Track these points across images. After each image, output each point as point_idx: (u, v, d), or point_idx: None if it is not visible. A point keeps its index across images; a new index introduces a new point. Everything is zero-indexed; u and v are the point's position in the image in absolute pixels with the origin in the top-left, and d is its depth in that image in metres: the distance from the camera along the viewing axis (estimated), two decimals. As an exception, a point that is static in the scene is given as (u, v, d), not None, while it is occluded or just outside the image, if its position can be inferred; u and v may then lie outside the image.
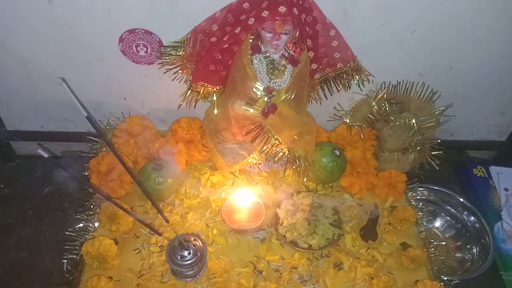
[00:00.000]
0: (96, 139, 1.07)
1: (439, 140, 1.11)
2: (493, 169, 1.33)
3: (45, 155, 0.68)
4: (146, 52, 0.96)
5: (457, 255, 1.16)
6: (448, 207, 1.21)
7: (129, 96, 1.08)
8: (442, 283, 0.88)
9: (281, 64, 0.86)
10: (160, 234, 0.81)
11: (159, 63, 0.96)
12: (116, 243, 0.89)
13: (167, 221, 0.80)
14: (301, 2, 0.81)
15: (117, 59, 0.97)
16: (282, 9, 0.76)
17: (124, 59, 0.97)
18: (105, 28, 0.91)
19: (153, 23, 0.90)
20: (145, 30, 0.91)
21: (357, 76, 0.98)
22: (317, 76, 0.98)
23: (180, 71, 0.97)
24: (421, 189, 1.20)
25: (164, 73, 0.98)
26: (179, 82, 1.01)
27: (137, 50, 0.95)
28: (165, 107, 1.11)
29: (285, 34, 0.79)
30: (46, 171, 1.26)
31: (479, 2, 0.91)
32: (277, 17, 0.77)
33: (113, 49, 0.95)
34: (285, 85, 0.87)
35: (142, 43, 0.94)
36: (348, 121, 1.14)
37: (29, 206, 1.18)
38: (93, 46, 0.95)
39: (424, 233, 1.01)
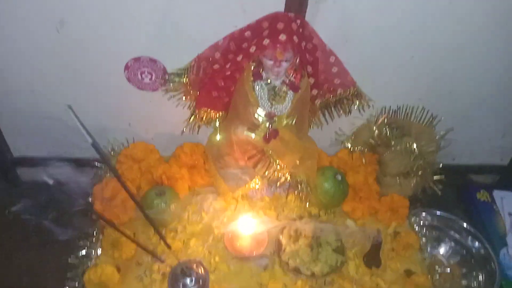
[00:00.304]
0: (101, 165, 1.08)
1: (441, 165, 1.11)
2: (497, 194, 1.32)
3: (50, 181, 0.69)
4: (150, 79, 0.98)
5: (463, 282, 1.14)
6: (452, 233, 1.19)
7: (134, 122, 1.10)
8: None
9: (282, 90, 0.87)
10: (162, 261, 0.81)
11: (163, 90, 0.98)
12: (118, 270, 0.89)
13: (169, 247, 0.80)
14: (301, 30, 0.83)
15: (122, 86, 0.99)
16: (282, 37, 0.78)
17: (129, 86, 0.99)
18: (111, 56, 0.94)
19: (158, 50, 0.93)
20: (150, 58, 0.94)
21: (357, 101, 1.00)
22: (317, 101, 0.99)
23: (184, 98, 0.99)
24: (424, 214, 1.18)
25: (168, 99, 1.00)
26: (183, 108, 1.03)
27: (142, 77, 0.98)
28: (169, 133, 1.12)
29: (286, 61, 0.81)
30: (50, 197, 1.26)
31: (475, 27, 0.93)
32: (278, 45, 0.79)
33: (119, 76, 0.97)
34: (286, 110, 0.89)
35: (147, 71, 0.96)
36: (349, 146, 1.15)
37: (32, 231, 1.18)
38: (100, 73, 0.97)
39: (428, 260, 1.00)
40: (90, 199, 1.01)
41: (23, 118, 1.09)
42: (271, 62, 0.82)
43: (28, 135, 1.14)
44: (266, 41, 0.79)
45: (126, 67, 0.96)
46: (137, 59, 0.94)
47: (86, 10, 0.85)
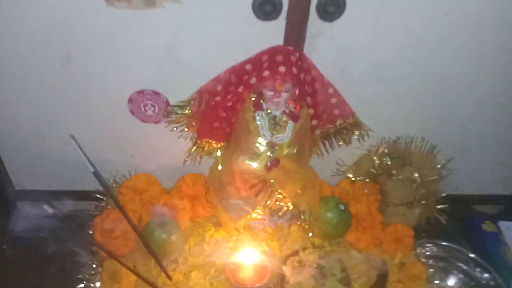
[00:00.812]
0: (102, 197, 1.08)
1: (444, 194, 1.11)
2: (503, 224, 1.30)
3: (50, 211, 0.69)
4: (153, 111, 1.00)
5: (474, 316, 1.10)
6: (460, 264, 1.16)
7: (136, 153, 1.11)
8: None
9: (283, 120, 0.89)
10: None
11: (166, 122, 1.00)
12: (117, 304, 0.87)
13: (170, 278, 0.79)
14: (299, 62, 0.86)
15: (125, 119, 1.01)
16: (282, 69, 0.81)
17: (132, 118, 1.01)
18: (116, 90, 0.96)
19: (161, 84, 0.96)
20: (153, 91, 0.96)
21: (357, 132, 1.01)
22: (318, 131, 1.01)
23: (186, 129, 1.01)
24: (429, 245, 1.16)
25: (170, 131, 1.01)
26: (185, 140, 1.04)
27: (145, 109, 1.00)
28: (171, 165, 1.13)
29: (285, 92, 0.84)
30: (51, 232, 1.25)
31: (470, 59, 0.96)
32: (277, 76, 0.81)
33: (122, 109, 0.99)
34: (287, 140, 0.90)
35: (150, 103, 0.99)
36: (351, 176, 1.15)
37: (31, 266, 1.16)
38: (103, 107, 0.99)
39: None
40: (90, 232, 1.01)
41: (25, 151, 1.11)
42: (271, 93, 0.84)
43: (30, 168, 1.15)
44: (266, 73, 0.82)
45: (130, 100, 0.98)
46: (140, 92, 0.97)
47: (92, 46, 0.88)
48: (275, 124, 0.89)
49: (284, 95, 0.84)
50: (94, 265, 0.96)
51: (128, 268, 0.76)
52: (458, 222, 1.33)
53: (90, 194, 1.10)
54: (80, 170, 1.14)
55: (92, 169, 0.72)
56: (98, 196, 1.08)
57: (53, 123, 1.04)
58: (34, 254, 1.20)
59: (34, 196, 1.19)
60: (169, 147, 1.08)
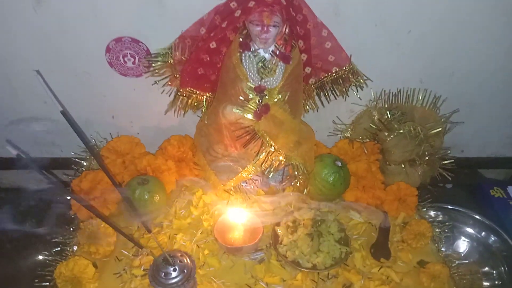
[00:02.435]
0: (81, 161, 1.00)
1: (449, 151, 1.03)
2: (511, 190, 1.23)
3: (14, 152, 0.61)
4: (133, 63, 0.93)
5: (486, 283, 1.02)
6: (466, 228, 1.09)
7: (118, 113, 1.04)
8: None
9: (272, 62, 0.81)
10: (141, 247, 0.71)
11: (147, 73, 0.92)
12: (95, 267, 0.79)
13: (149, 231, 0.71)
14: (289, -3, 0.78)
15: (104, 72, 0.94)
16: (269, -1, 0.73)
17: (111, 71, 0.94)
18: (92, 37, 0.89)
19: (141, 30, 0.88)
20: (132, 38, 0.89)
21: (353, 80, 0.93)
22: (312, 81, 0.93)
23: (169, 83, 0.93)
24: (434, 208, 1.09)
25: (152, 84, 0.94)
26: (169, 96, 0.97)
27: (124, 61, 0.92)
28: (155, 125, 1.05)
29: (274, 26, 0.76)
30: (29, 204, 1.18)
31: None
32: (265, 8, 0.74)
33: (100, 60, 0.92)
34: (277, 84, 0.82)
35: (130, 53, 0.91)
36: (349, 136, 1.08)
37: (8, 239, 1.09)
38: (80, 57, 0.92)
39: (443, 252, 0.90)
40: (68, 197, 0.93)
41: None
42: (258, 29, 0.76)
43: (4, 132, 1.07)
44: (251, 3, 0.74)
45: (108, 50, 0.91)
46: (118, 40, 0.89)
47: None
48: (264, 66, 0.81)
49: (273, 30, 0.76)
50: (71, 229, 0.88)
51: (105, 221, 0.68)
52: (466, 190, 1.26)
53: (70, 161, 1.02)
54: (58, 134, 1.07)
55: (60, 108, 0.64)
56: (77, 160, 1.00)
57: (26, 78, 0.95)
58: (12, 227, 1.13)
59: (10, 164, 1.11)
60: (152, 105, 1.01)
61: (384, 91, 1.02)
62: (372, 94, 1.02)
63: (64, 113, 0.65)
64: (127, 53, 0.91)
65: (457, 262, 0.87)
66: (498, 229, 1.03)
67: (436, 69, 0.99)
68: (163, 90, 0.95)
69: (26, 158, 0.60)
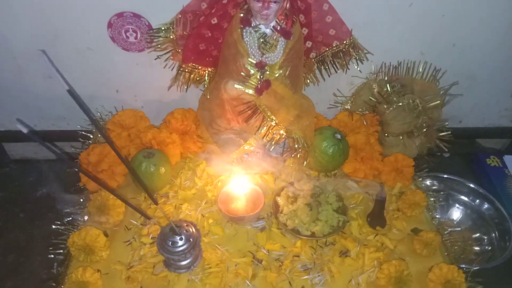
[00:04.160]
0: (88, 134, 1.03)
1: (447, 123, 1.05)
2: (508, 159, 1.26)
3: (25, 130, 0.64)
4: (135, 38, 0.94)
5: (476, 248, 1.07)
6: (461, 196, 1.13)
7: (121, 88, 1.06)
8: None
9: (273, 38, 0.82)
10: (149, 218, 0.75)
11: (149, 48, 0.93)
12: (106, 235, 0.84)
13: (156, 203, 0.75)
14: (290, -28, 0.78)
15: (107, 47, 0.95)
16: (270, -27, 0.73)
17: (114, 46, 0.95)
18: (93, 13, 0.89)
19: (142, 5, 0.88)
20: (134, 13, 0.89)
21: (354, 54, 0.94)
22: (312, 55, 0.94)
23: (172, 58, 0.94)
24: (430, 178, 1.12)
25: (154, 59, 0.95)
26: (171, 70, 0.98)
27: (126, 36, 0.93)
28: (158, 99, 1.07)
29: (275, 2, 0.76)
30: (39, 175, 1.22)
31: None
32: (266, -17, 0.74)
33: (102, 35, 0.93)
34: (278, 59, 0.83)
35: (132, 28, 0.92)
36: (349, 108, 1.09)
37: (20, 209, 1.14)
38: (82, 33, 0.92)
39: (437, 220, 0.94)
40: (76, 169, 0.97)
41: (5, 88, 1.05)
42: (259, 4, 0.77)
43: (12, 106, 1.09)
44: (252, -20, 0.74)
45: (109, 25, 0.91)
46: (120, 15, 0.89)
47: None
48: (265, 42, 0.82)
49: (274, 6, 0.76)
50: (81, 200, 0.92)
51: (114, 193, 0.72)
52: (463, 159, 1.29)
53: (76, 134, 1.05)
54: (64, 108, 1.09)
55: (66, 87, 0.66)
56: (83, 133, 1.03)
57: (31, 55, 0.97)
58: (23, 197, 1.18)
59: (19, 137, 1.14)
60: (155, 79, 1.02)
61: (385, 64, 1.03)
62: (373, 67, 1.03)
63: (71, 92, 0.67)
64: (129, 28, 0.92)
65: (449, 229, 0.92)
66: (491, 198, 1.07)
67: (437, 42, 1.00)
68: (166, 65, 0.96)
69: (37, 137, 0.63)
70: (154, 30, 0.90)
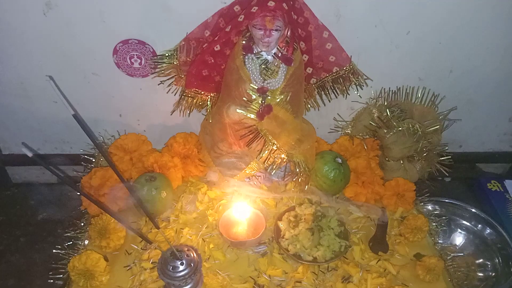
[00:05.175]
0: (90, 158, 1.04)
1: (447, 147, 1.06)
2: (509, 183, 1.26)
3: (29, 154, 0.65)
4: (140, 64, 0.96)
5: (480, 274, 1.06)
6: (463, 221, 1.12)
7: (125, 112, 1.07)
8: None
9: (275, 64, 0.84)
10: (150, 242, 0.75)
11: (153, 73, 0.95)
12: (106, 260, 0.83)
13: (157, 227, 0.75)
14: (291, 2, 0.81)
15: (112, 73, 0.97)
16: (271, 3, 0.76)
17: (118, 72, 0.97)
18: (99, 40, 0.92)
19: (147, 32, 0.91)
20: (139, 40, 0.92)
21: (354, 79, 0.96)
22: (313, 80, 0.96)
23: (175, 83, 0.96)
24: (431, 202, 1.12)
25: (158, 84, 0.97)
26: (174, 95, 1.00)
27: (131, 62, 0.95)
28: (161, 124, 1.09)
29: (276, 30, 0.79)
30: (41, 198, 1.22)
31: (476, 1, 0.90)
32: (267, 13, 0.76)
33: (108, 62, 0.95)
34: (279, 85, 0.85)
35: (136, 54, 0.94)
36: (349, 132, 1.11)
37: (21, 233, 1.14)
38: (88, 59, 0.95)
39: (440, 245, 0.93)
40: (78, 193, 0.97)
41: (11, 112, 1.07)
42: (261, 32, 0.79)
43: (17, 130, 1.11)
44: (254, 9, 0.76)
45: (115, 51, 0.94)
46: (125, 42, 0.92)
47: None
48: (266, 68, 0.84)
49: (275, 34, 0.79)
50: (82, 224, 0.92)
51: (114, 216, 0.72)
52: (464, 183, 1.29)
53: (79, 157, 1.06)
54: (68, 131, 1.11)
55: (72, 112, 0.67)
56: (86, 157, 1.04)
57: (38, 80, 0.99)
58: (24, 221, 1.18)
59: (23, 161, 1.15)
60: (158, 104, 1.04)
61: (384, 89, 1.04)
62: (372, 92, 1.05)
63: (76, 117, 0.69)
64: (134, 54, 0.94)
65: (452, 254, 0.91)
66: (493, 222, 1.07)
67: (434, 68, 1.02)
68: (169, 90, 0.98)
69: (41, 161, 0.63)
70: (158, 57, 0.92)
